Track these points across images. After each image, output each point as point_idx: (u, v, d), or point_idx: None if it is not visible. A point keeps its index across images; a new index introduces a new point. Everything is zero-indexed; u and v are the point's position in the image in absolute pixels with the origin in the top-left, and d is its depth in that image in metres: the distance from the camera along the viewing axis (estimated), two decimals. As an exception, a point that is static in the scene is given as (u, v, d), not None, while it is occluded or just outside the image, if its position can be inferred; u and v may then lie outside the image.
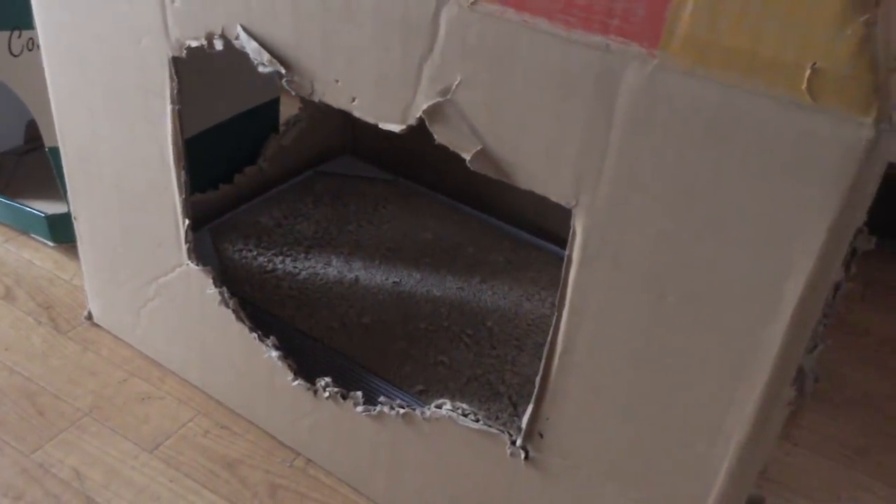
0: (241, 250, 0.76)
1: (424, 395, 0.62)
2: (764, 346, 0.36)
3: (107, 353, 0.72)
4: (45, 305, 0.76)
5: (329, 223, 0.82)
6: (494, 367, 0.66)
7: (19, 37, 0.69)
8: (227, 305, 0.60)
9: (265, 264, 0.75)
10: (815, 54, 0.30)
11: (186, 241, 0.60)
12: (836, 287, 0.37)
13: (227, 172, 0.81)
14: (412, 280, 0.75)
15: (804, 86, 0.31)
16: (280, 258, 0.76)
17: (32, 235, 0.84)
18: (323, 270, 0.75)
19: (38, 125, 0.71)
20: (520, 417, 0.49)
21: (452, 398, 0.54)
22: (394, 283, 0.75)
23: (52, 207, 0.82)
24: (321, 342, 0.67)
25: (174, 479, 0.61)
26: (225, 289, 0.61)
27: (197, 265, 0.61)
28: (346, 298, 0.72)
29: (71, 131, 0.63)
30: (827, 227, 0.33)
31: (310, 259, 0.76)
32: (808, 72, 0.31)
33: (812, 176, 0.32)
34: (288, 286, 0.73)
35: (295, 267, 0.75)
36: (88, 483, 0.60)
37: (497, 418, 0.60)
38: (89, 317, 0.75)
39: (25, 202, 0.84)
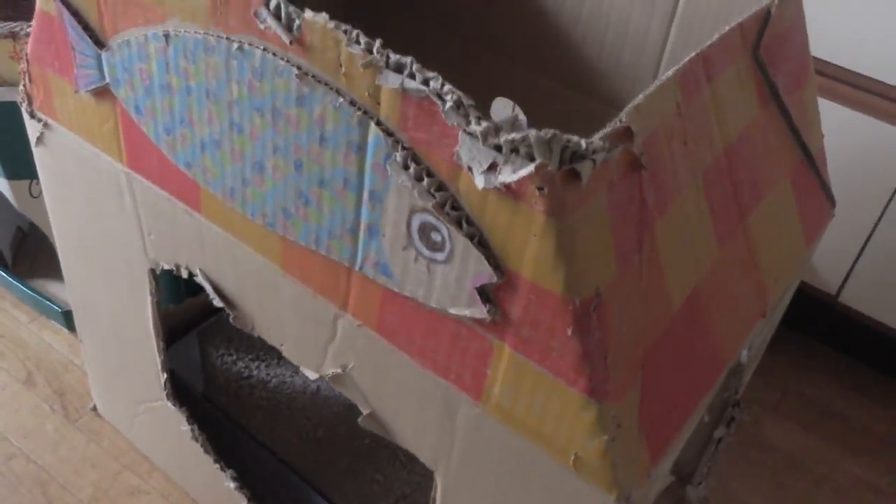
0: (223, 355, 0.89)
1: (358, 517, 0.75)
2: None
3: (107, 445, 0.85)
4: (59, 392, 0.90)
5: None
6: (421, 485, 0.79)
7: (38, 184, 0.81)
8: (196, 440, 0.73)
9: (242, 370, 0.88)
10: (577, 447, 0.41)
11: (165, 388, 0.73)
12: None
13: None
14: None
15: (571, 463, 0.42)
16: (256, 363, 0.89)
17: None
18: (290, 379, 0.88)
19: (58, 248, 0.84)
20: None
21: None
22: (349, 398, 0.87)
23: (68, 298, 0.95)
24: (279, 458, 0.80)
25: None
26: (195, 427, 0.73)
27: (173, 405, 0.74)
28: (306, 410, 0.85)
29: (75, 281, 0.76)
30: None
31: (281, 366, 0.89)
32: (572, 456, 0.42)
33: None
34: (259, 395, 0.85)
35: (268, 374, 0.88)
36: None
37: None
38: (95, 408, 0.88)
39: (47, 286, 0.98)
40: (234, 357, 0.89)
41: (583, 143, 0.35)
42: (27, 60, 0.60)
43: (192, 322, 0.91)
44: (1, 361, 0.93)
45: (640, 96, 0.41)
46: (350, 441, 0.82)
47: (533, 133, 0.34)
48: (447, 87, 0.37)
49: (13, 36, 0.68)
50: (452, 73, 0.79)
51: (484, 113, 0.37)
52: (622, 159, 0.39)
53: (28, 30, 0.69)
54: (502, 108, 0.82)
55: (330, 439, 0.82)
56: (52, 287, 0.98)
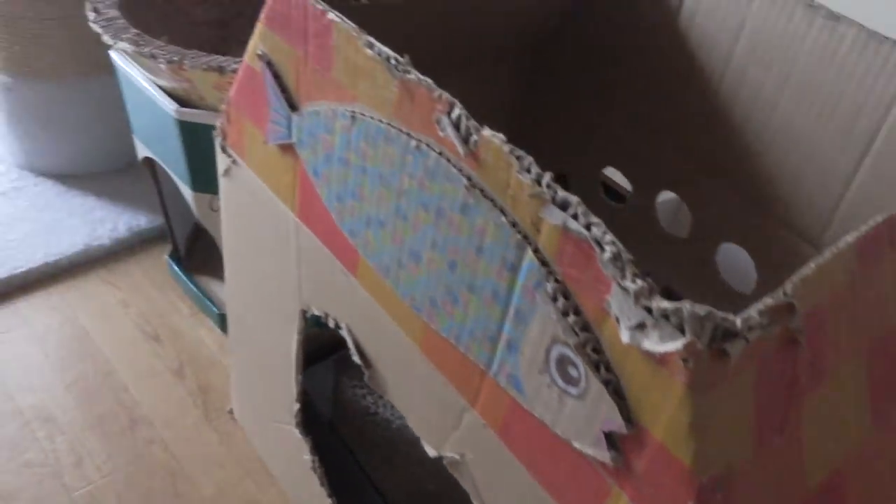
0: (354, 387, 0.92)
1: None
2: None
3: (236, 449, 0.91)
4: (203, 389, 0.96)
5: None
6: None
7: (218, 200, 0.87)
8: (314, 472, 0.76)
9: (370, 406, 0.90)
10: None
11: (295, 417, 0.76)
12: None
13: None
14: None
15: None
16: (383, 401, 0.91)
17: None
18: (414, 423, 0.89)
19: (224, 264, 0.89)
20: None
21: None
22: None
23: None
24: (387, 502, 0.82)
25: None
26: (317, 459, 0.76)
27: (300, 434, 0.77)
28: (422, 460, 0.85)
29: (234, 297, 0.81)
30: None
31: (407, 408, 0.91)
32: None
33: None
34: (380, 434, 0.88)
35: (392, 414, 0.90)
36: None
37: None
38: (231, 412, 0.94)
39: (211, 286, 1.05)
40: (365, 391, 0.92)
41: (738, 321, 0.34)
42: (228, 102, 0.65)
43: (331, 348, 0.95)
44: (159, 349, 1.00)
45: (811, 265, 0.39)
46: (459, 502, 0.83)
47: (687, 307, 0.34)
48: (608, 236, 0.37)
49: (220, 70, 0.74)
50: (624, 156, 0.79)
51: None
52: (779, 335, 0.37)
53: (234, 66, 0.74)
54: (668, 202, 0.80)
55: (440, 494, 0.83)
56: (214, 287, 1.05)
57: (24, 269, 1.06)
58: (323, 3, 0.50)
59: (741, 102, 0.70)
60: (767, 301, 0.37)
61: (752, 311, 0.36)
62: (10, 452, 0.87)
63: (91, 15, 0.83)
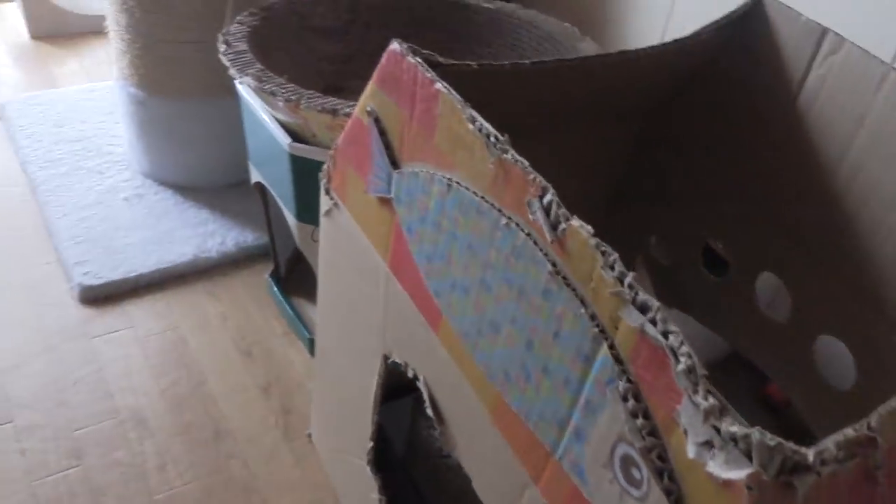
0: (429, 427, 0.93)
1: None
2: None
3: (309, 473, 0.93)
4: (286, 409, 0.99)
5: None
6: None
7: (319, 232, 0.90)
8: (379, 510, 0.78)
9: (443, 448, 0.91)
10: None
11: (368, 454, 0.78)
12: None
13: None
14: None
15: None
16: (458, 446, 0.91)
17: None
18: (485, 472, 0.89)
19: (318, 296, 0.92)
20: None
21: None
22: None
23: (318, 326, 1.05)
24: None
25: None
26: (384, 499, 0.78)
27: (371, 471, 0.78)
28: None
29: (323, 328, 0.83)
30: None
31: (480, 456, 0.91)
32: None
33: None
34: (450, 478, 0.88)
35: (465, 460, 0.90)
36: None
37: None
38: (309, 436, 0.96)
39: (306, 309, 1.08)
40: (439, 430, 0.92)
41: (810, 455, 0.33)
42: (336, 148, 0.67)
43: (411, 385, 0.96)
44: (250, 365, 1.04)
45: (900, 397, 0.37)
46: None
47: (756, 435, 0.33)
48: (685, 347, 0.36)
49: (333, 112, 0.77)
50: (728, 229, 0.76)
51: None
52: (856, 471, 0.36)
53: (347, 110, 0.77)
54: (769, 282, 0.78)
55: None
56: (309, 311, 1.09)
57: (136, 274, 1.12)
58: (432, 71, 0.52)
59: (855, 194, 0.67)
60: (848, 433, 0.35)
61: (829, 443, 0.35)
62: (104, 448, 0.92)
63: (222, 47, 0.88)
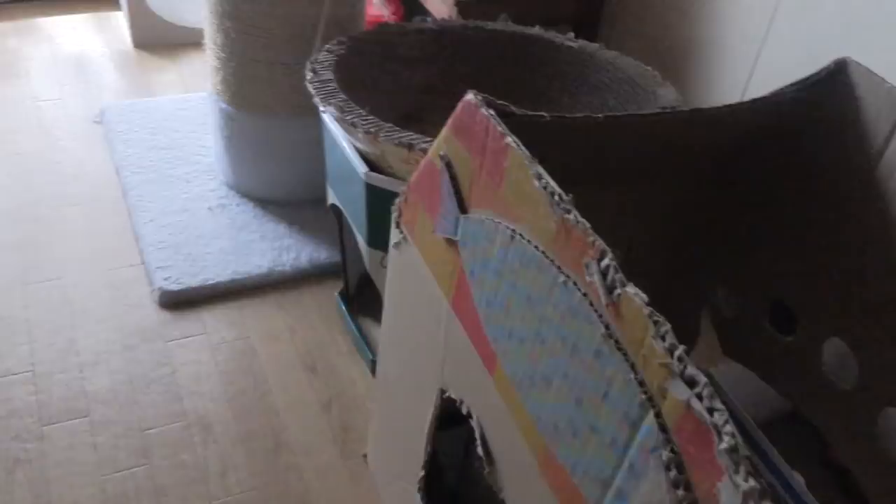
0: (482, 459, 0.94)
1: None
2: None
3: (362, 492, 0.95)
4: (345, 427, 1.02)
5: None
6: None
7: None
8: (427, 540, 0.79)
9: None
10: None
11: (419, 483, 0.79)
12: None
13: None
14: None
15: None
16: (509, 479, 0.92)
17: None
18: (534, 509, 0.90)
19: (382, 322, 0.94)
20: None
21: None
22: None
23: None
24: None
25: None
26: (432, 526, 0.79)
27: (421, 500, 0.80)
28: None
29: (385, 354, 0.85)
30: None
31: (530, 492, 0.92)
32: None
33: None
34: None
35: (514, 495, 0.91)
36: None
37: None
38: (365, 456, 0.99)
39: (371, 330, 1.11)
40: (488, 472, 0.93)
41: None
42: (408, 185, 0.70)
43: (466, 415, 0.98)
44: (314, 380, 1.07)
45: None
46: None
47: (792, 524, 0.33)
48: (729, 426, 0.37)
49: (409, 146, 0.79)
50: (797, 290, 0.76)
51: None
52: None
53: (423, 146, 0.79)
54: (835, 348, 0.76)
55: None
56: (373, 332, 1.11)
57: (213, 282, 1.17)
58: (503, 125, 0.53)
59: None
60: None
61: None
62: (170, 450, 0.96)
63: (309, 75, 0.92)
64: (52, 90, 1.61)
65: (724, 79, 1.27)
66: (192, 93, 1.64)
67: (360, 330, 1.11)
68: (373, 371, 1.07)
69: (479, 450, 0.64)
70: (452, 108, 0.60)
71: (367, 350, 1.08)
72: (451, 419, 0.96)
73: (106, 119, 1.51)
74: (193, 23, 1.78)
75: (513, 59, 1.12)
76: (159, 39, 1.79)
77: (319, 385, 1.07)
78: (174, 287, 1.15)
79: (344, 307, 1.15)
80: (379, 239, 0.93)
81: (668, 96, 0.97)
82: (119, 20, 1.88)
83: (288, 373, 1.08)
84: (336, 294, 1.18)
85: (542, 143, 0.53)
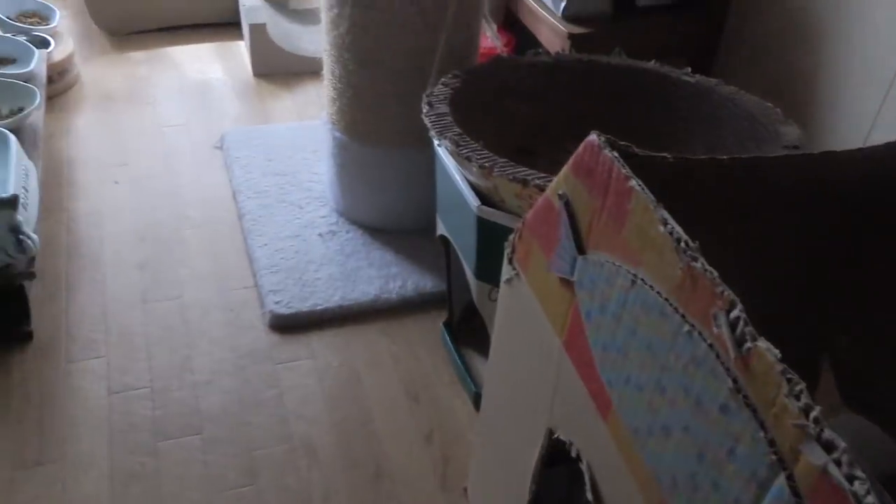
0: (587, 502, 0.92)
1: None
2: None
3: (461, 527, 0.95)
4: (445, 458, 1.02)
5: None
6: None
7: (496, 291, 0.92)
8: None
9: (597, 525, 0.90)
10: None
11: (521, 520, 0.78)
12: None
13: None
14: None
15: None
16: (612, 524, 0.90)
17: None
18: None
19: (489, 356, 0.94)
20: None
21: None
22: None
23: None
24: None
25: None
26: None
27: (523, 540, 0.79)
28: None
29: (490, 388, 0.85)
30: None
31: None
32: None
33: None
34: (602, 557, 0.87)
35: (618, 540, 0.88)
36: None
37: None
38: (465, 490, 0.98)
39: (475, 361, 1.11)
40: (595, 507, 0.91)
41: None
42: (523, 222, 0.69)
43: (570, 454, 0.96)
44: (416, 409, 1.08)
45: None
46: None
47: None
48: (871, 498, 0.35)
49: (524, 182, 0.79)
50: None
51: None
52: None
53: (537, 181, 0.79)
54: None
55: None
56: (477, 364, 1.11)
57: (321, 308, 1.19)
58: (627, 168, 0.53)
59: None
60: None
61: None
62: (276, 472, 0.98)
63: (425, 108, 0.93)
64: (178, 116, 1.69)
65: (847, 118, 1.22)
66: (306, 120, 1.69)
67: (463, 361, 1.11)
68: (475, 403, 1.07)
69: (588, 494, 0.62)
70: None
71: (471, 382, 1.08)
72: (553, 457, 0.95)
73: (226, 145, 1.57)
74: (310, 53, 1.85)
75: (628, 93, 1.11)
76: (277, 68, 1.86)
77: (421, 415, 1.07)
78: (284, 311, 1.18)
79: (448, 338, 1.15)
80: (488, 272, 0.93)
81: (791, 134, 0.93)
82: (241, 50, 1.97)
83: (391, 401, 1.09)
84: (441, 324, 1.18)
85: (664, 182, 0.52)
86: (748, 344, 0.42)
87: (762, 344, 0.41)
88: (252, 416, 1.05)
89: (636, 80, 1.11)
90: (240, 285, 1.26)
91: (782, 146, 0.92)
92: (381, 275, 1.26)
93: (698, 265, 0.46)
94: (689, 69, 1.10)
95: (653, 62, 1.12)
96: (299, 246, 1.31)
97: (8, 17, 1.67)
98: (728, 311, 0.43)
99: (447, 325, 1.17)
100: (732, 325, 0.43)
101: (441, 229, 1.07)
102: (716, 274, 0.45)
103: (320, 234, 1.34)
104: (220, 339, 1.16)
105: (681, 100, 1.08)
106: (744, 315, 0.43)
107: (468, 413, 1.08)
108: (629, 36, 1.33)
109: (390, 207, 1.33)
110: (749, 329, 0.42)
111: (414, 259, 1.30)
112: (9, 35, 1.61)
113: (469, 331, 1.17)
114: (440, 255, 1.15)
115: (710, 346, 0.45)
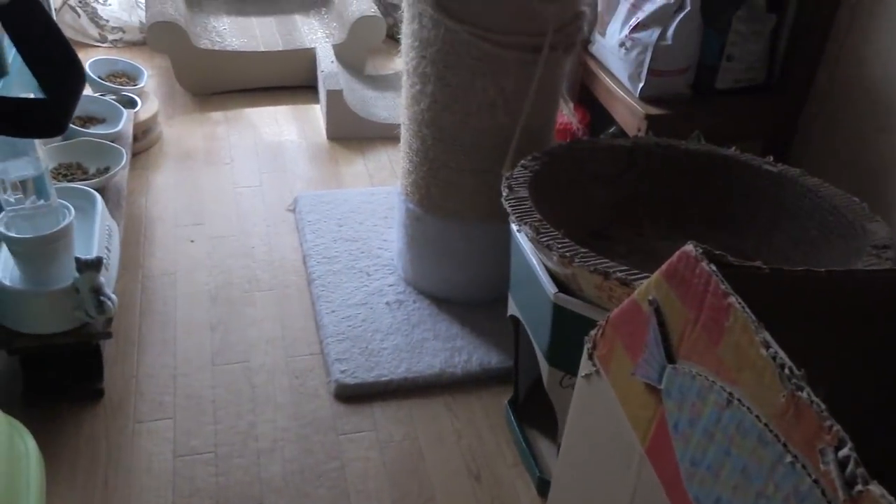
0: None
1: None
2: None
3: None
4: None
5: None
6: None
7: (569, 379, 0.91)
8: None
9: None
10: None
11: None
12: None
13: None
14: None
15: None
16: None
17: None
18: None
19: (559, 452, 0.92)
20: None
21: None
22: None
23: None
24: None
25: None
26: None
27: None
28: None
29: (561, 484, 0.83)
30: None
31: None
32: None
33: None
34: None
35: None
36: None
37: None
38: (526, 579, 0.95)
39: (541, 444, 1.09)
40: None
41: None
42: (607, 319, 0.68)
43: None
44: (478, 489, 1.06)
45: None
46: None
47: None
48: None
49: (605, 274, 0.78)
50: None
51: None
52: None
53: (619, 274, 0.78)
54: None
55: None
56: (542, 447, 1.09)
57: (386, 379, 1.19)
58: (726, 283, 0.51)
59: None
60: None
61: None
62: (334, 548, 0.97)
63: (504, 191, 0.93)
64: (253, 177, 1.73)
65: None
66: (378, 186, 1.71)
67: (527, 443, 1.09)
68: (538, 488, 1.05)
69: None
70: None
71: (535, 465, 1.05)
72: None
73: (298, 208, 1.60)
74: (383, 119, 1.88)
75: (706, 179, 1.10)
76: (350, 133, 1.89)
77: (483, 496, 1.05)
78: (350, 381, 1.18)
79: (513, 418, 1.13)
80: (561, 358, 0.92)
81: (879, 232, 0.91)
82: (316, 113, 2.01)
83: (452, 479, 1.08)
84: (505, 402, 1.17)
85: (757, 293, 0.51)
86: (859, 486, 0.40)
87: (876, 489, 0.39)
88: (312, 488, 1.04)
89: (715, 166, 1.10)
90: (306, 351, 1.27)
91: (871, 244, 0.89)
92: (446, 347, 1.25)
93: (804, 395, 0.44)
94: (771, 157, 1.09)
95: (732, 148, 1.11)
96: (366, 314, 1.32)
97: (99, 77, 1.74)
98: (837, 449, 0.41)
99: (512, 403, 1.16)
100: (842, 464, 0.41)
101: (512, 309, 1.06)
102: (823, 406, 0.43)
103: (387, 303, 1.34)
104: (284, 405, 1.17)
105: (762, 188, 1.07)
106: (854, 454, 0.41)
107: (532, 497, 1.06)
108: (706, 117, 1.32)
109: (458, 279, 1.33)
110: (861, 471, 0.40)
111: (479, 333, 1.29)
112: (99, 94, 1.68)
113: (534, 411, 1.15)
114: (506, 331, 1.14)
115: (815, 481, 0.43)
